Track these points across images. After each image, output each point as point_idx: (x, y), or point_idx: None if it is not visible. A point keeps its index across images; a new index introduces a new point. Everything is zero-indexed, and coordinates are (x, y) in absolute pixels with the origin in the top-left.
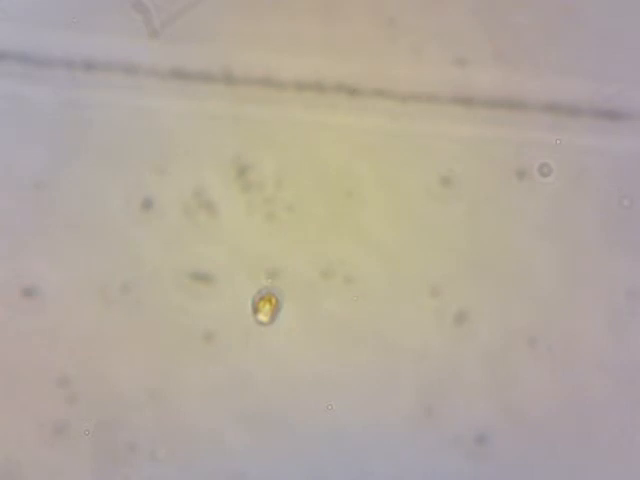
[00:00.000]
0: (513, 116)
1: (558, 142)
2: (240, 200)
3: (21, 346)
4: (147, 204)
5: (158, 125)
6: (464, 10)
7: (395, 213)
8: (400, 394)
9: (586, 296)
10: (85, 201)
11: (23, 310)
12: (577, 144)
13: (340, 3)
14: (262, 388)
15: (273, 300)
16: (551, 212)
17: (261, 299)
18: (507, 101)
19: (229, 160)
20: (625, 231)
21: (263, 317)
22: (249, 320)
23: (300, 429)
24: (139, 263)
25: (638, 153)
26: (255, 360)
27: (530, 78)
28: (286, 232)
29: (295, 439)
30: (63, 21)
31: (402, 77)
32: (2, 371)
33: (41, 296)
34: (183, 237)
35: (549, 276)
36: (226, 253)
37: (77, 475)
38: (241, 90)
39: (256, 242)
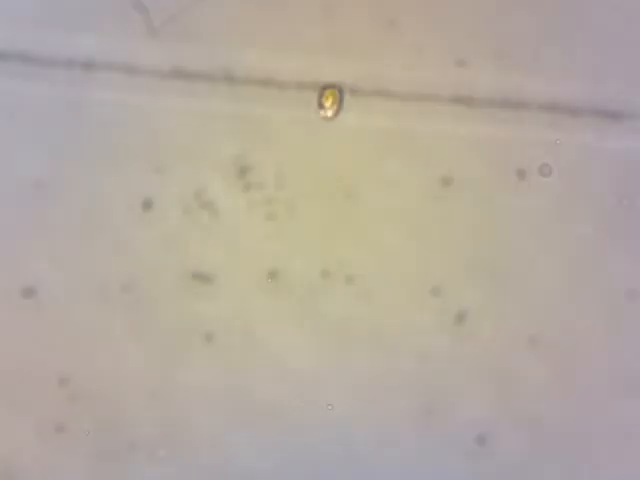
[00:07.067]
0: (513, 116)
1: (558, 142)
2: (240, 200)
3: (21, 346)
4: (147, 204)
5: (158, 125)
6: (464, 10)
7: (395, 213)
8: (400, 394)
9: (586, 296)
10: (85, 201)
11: (23, 310)
12: (577, 144)
13: (340, 3)
14: (262, 388)
15: (336, 94)
16: (551, 212)
17: (324, 94)
18: (507, 101)
19: (229, 160)
20: (625, 231)
21: (328, 112)
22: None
23: (300, 429)
24: (139, 263)
25: (638, 153)
26: (255, 360)
27: (530, 78)
28: (286, 232)
29: (295, 439)
30: (63, 21)
31: (402, 77)
32: (2, 371)
33: (41, 296)
34: (183, 237)
35: (549, 276)
36: (226, 253)
37: (77, 475)
38: (241, 90)
39: (256, 242)
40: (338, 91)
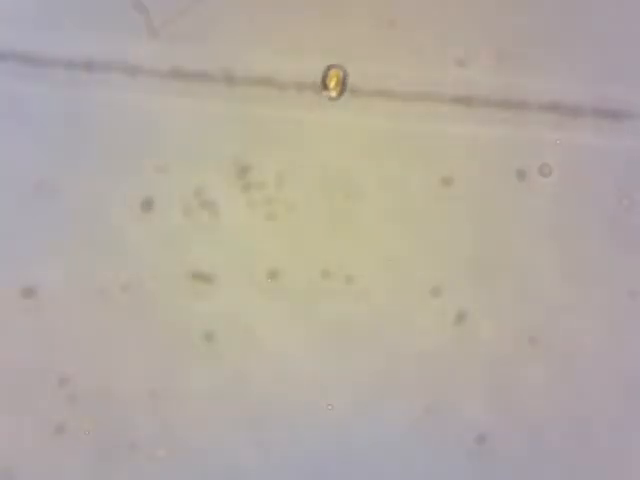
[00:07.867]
0: (513, 116)
1: (558, 142)
2: (240, 200)
3: (21, 346)
4: (147, 204)
5: (158, 125)
6: (464, 10)
7: (395, 213)
8: (400, 394)
9: (587, 296)
10: (85, 201)
11: (23, 310)
12: (577, 144)
13: (340, 3)
14: (262, 388)
15: (340, 74)
16: (551, 212)
17: (328, 75)
18: (507, 101)
19: (229, 160)
20: (625, 231)
21: (332, 92)
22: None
23: (300, 429)
24: (139, 263)
25: (638, 153)
26: (255, 360)
27: (530, 78)
28: (286, 232)
29: (295, 439)
30: (63, 21)
31: (402, 77)
32: (2, 371)
33: (41, 296)
34: (183, 237)
35: (549, 276)
36: (226, 253)
37: (77, 475)
38: (241, 90)
39: (256, 242)
40: (342, 71)
